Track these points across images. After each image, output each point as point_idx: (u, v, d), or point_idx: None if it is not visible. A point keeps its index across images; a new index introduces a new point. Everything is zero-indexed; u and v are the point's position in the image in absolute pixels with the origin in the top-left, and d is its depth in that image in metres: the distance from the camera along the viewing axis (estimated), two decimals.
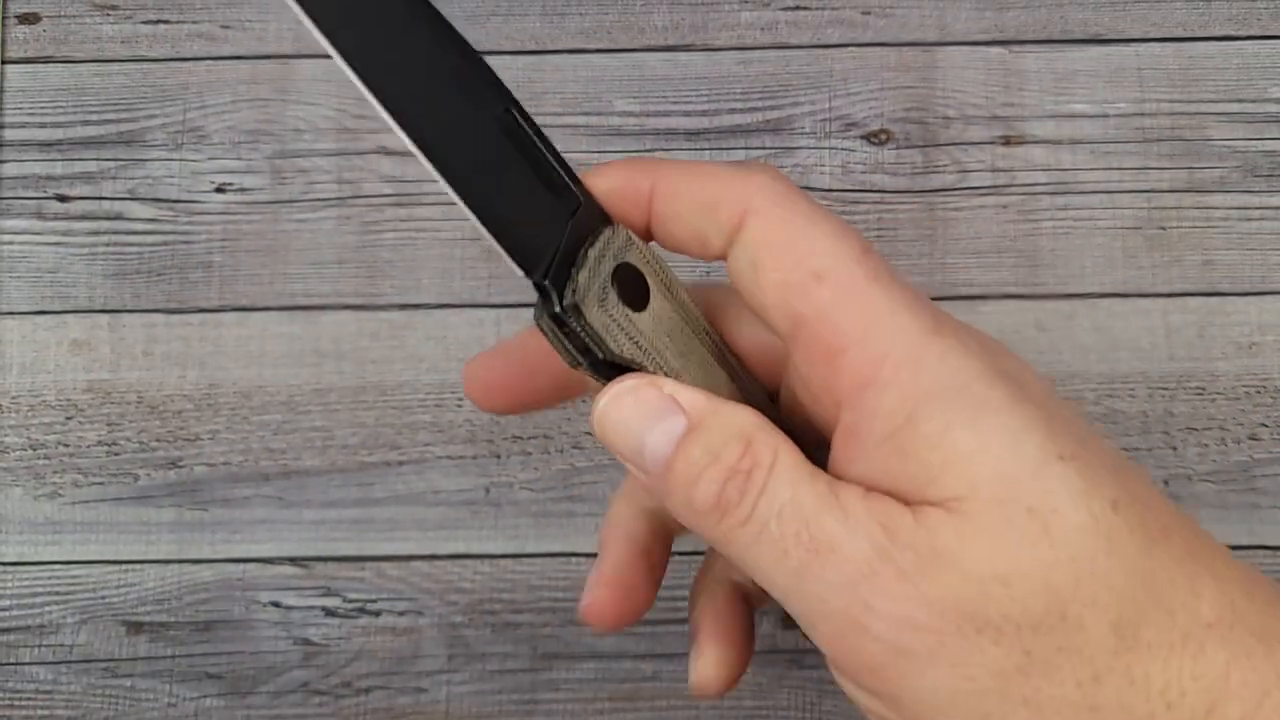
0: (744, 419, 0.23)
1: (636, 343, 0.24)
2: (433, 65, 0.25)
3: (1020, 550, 0.20)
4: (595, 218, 0.25)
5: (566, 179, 0.25)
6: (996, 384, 0.22)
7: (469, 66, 0.26)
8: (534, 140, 0.26)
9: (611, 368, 0.24)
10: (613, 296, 0.24)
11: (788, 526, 0.22)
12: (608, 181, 0.26)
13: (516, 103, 0.26)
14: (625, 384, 0.24)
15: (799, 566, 0.22)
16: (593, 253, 0.24)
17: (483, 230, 0.25)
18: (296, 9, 0.22)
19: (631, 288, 0.24)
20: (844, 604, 0.21)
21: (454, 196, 0.25)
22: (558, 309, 0.23)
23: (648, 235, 0.27)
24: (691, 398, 0.23)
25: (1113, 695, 0.20)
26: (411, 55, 0.24)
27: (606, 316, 0.24)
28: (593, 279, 0.24)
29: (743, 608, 0.30)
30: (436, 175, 0.25)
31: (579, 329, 0.23)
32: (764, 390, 0.27)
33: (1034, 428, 0.21)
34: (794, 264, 0.23)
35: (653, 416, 0.23)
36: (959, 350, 0.22)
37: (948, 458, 0.21)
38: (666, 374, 0.24)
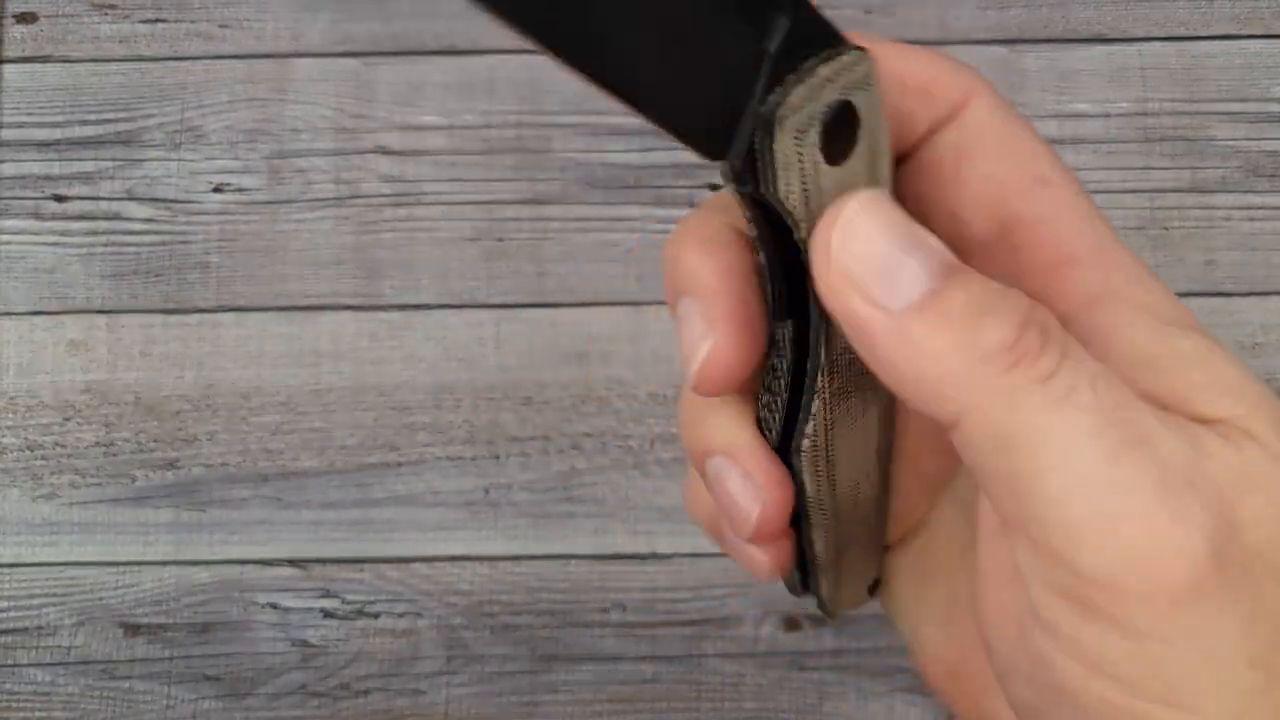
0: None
1: (807, 197, 0.19)
2: None
3: None
4: (835, 37, 0.20)
5: None
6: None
7: None
8: None
9: (760, 211, 0.20)
10: (815, 133, 0.19)
11: (1104, 399, 0.17)
12: None
13: None
14: (869, 196, 0.19)
15: (1116, 448, 0.17)
16: (824, 71, 0.19)
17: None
18: None
19: (837, 135, 0.19)
20: (1148, 511, 0.17)
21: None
22: (759, 108, 0.18)
23: None
24: (942, 245, 0.19)
25: None
26: None
27: (796, 151, 0.19)
28: (809, 101, 0.19)
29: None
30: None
31: (760, 146, 0.19)
32: None
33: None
34: (1017, 162, 0.21)
35: (907, 239, 0.18)
36: (1165, 287, 0.20)
37: (1214, 378, 0.19)
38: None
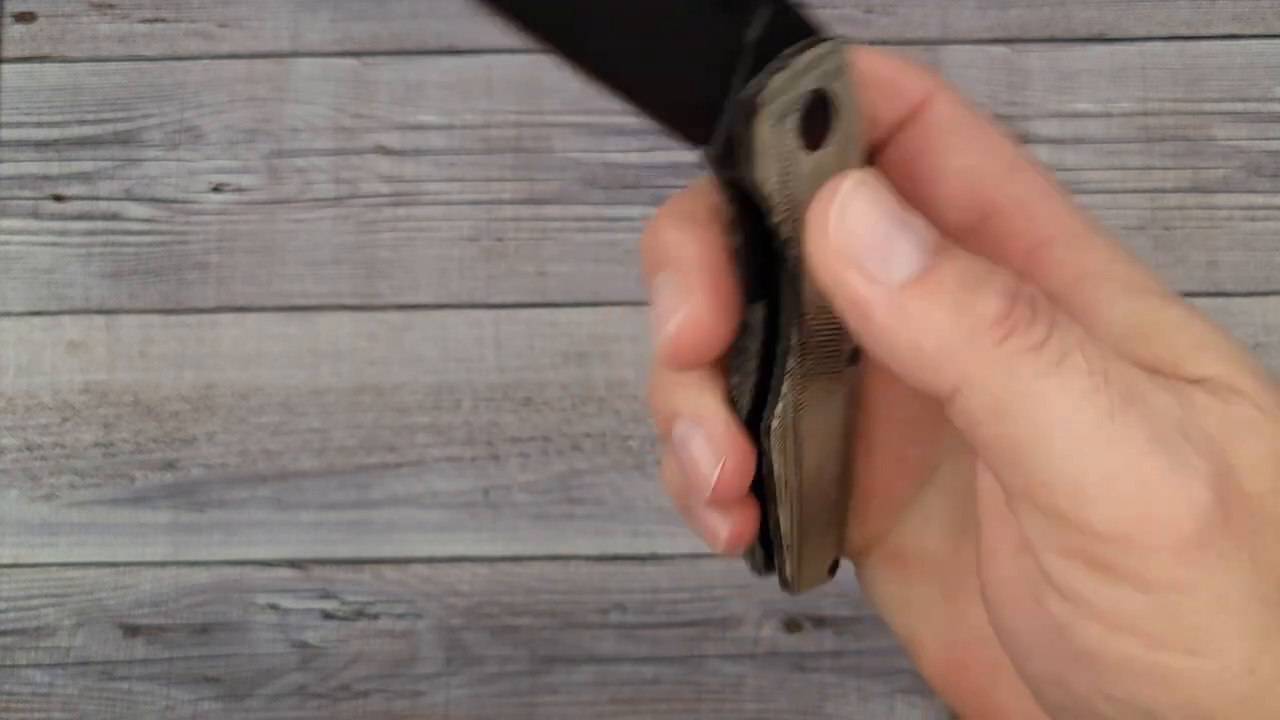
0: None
1: (784, 182, 0.20)
2: None
3: None
4: (812, 28, 0.21)
5: None
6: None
7: None
8: None
9: (737, 195, 0.20)
10: (793, 119, 0.20)
11: (1096, 363, 0.18)
12: None
13: None
14: (863, 173, 0.20)
15: (1112, 407, 0.18)
16: (801, 60, 0.20)
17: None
18: None
19: (814, 122, 0.20)
20: (1150, 465, 0.18)
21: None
22: (740, 95, 0.19)
23: None
24: (929, 225, 0.19)
25: None
26: None
27: (774, 136, 0.20)
28: (787, 88, 0.20)
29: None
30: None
31: (740, 133, 0.19)
32: None
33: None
34: (988, 152, 0.21)
35: (900, 218, 0.19)
36: (1144, 265, 0.21)
37: (1199, 341, 0.19)
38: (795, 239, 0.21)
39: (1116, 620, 0.18)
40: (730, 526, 0.23)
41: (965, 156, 0.21)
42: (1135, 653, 0.18)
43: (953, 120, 0.22)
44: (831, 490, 0.25)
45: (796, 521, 0.24)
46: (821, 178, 0.20)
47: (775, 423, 0.22)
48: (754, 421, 0.23)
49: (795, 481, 0.24)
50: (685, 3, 0.19)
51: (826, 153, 0.20)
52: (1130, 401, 0.18)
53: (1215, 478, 0.18)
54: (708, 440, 0.22)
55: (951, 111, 0.22)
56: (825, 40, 0.20)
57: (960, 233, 0.21)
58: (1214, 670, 0.18)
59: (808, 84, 0.20)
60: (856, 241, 0.19)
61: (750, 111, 0.19)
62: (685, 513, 0.24)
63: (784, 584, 0.26)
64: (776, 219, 0.20)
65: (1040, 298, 0.19)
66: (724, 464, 0.22)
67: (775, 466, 0.23)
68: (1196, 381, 0.19)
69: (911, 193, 0.21)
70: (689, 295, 0.22)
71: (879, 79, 0.22)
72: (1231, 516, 0.18)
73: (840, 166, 0.21)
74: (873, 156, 0.22)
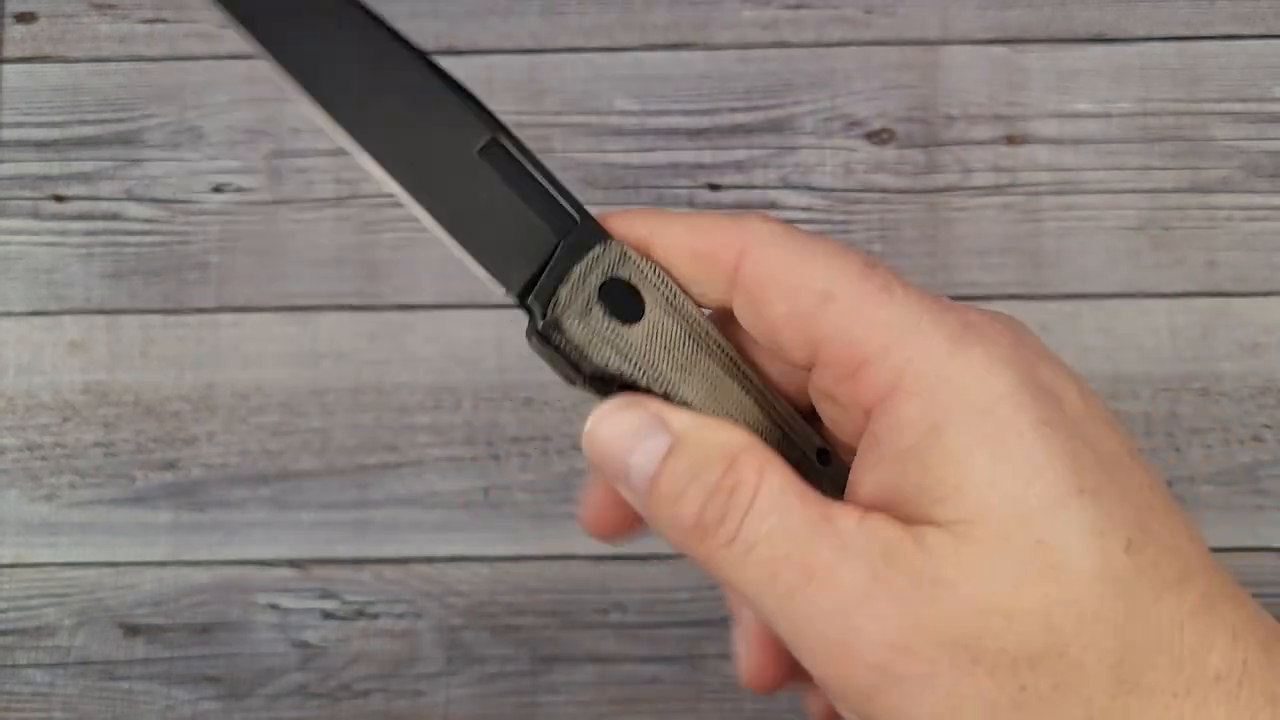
0: (729, 437, 0.23)
1: (625, 355, 0.24)
2: (412, 102, 0.26)
3: (1025, 585, 0.20)
4: (590, 235, 0.25)
5: (561, 200, 0.25)
6: (1025, 406, 0.21)
7: (451, 100, 0.26)
8: (523, 164, 0.25)
9: (606, 383, 0.24)
10: (598, 311, 0.24)
11: (777, 549, 0.21)
12: (613, 228, 0.26)
13: (505, 129, 0.26)
14: (610, 403, 0.24)
15: (788, 591, 0.21)
16: (579, 268, 0.24)
17: (461, 253, 0.25)
18: (268, 59, 0.24)
19: (624, 302, 0.24)
20: (836, 629, 0.21)
21: (429, 222, 0.25)
22: (539, 325, 0.24)
23: None
24: (679, 417, 0.23)
25: None
26: (388, 94, 0.26)
27: (589, 330, 0.24)
28: (576, 294, 0.24)
29: None
30: (414, 205, 0.25)
31: (560, 343, 0.24)
32: (788, 405, 0.27)
33: (1058, 457, 0.20)
34: (799, 291, 0.23)
35: (637, 435, 0.23)
36: (985, 362, 0.21)
37: (964, 479, 0.21)
38: (663, 387, 0.24)
39: None
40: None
41: (780, 303, 0.23)
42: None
43: (763, 271, 0.23)
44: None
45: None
46: (659, 339, 0.24)
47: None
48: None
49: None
50: (508, 204, 0.24)
51: (653, 317, 0.24)
52: (809, 580, 0.21)
53: (884, 648, 0.20)
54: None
55: (762, 262, 0.23)
56: (596, 242, 0.24)
57: (807, 370, 0.24)
58: None
59: (594, 280, 0.24)
60: (603, 465, 0.23)
61: (556, 325, 0.23)
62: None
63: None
64: (642, 384, 0.24)
65: (744, 486, 0.22)
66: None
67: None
68: (943, 524, 0.21)
69: (760, 343, 0.24)
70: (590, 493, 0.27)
71: (698, 250, 0.24)
72: (896, 679, 0.20)
73: (677, 322, 0.24)
74: (727, 317, 0.25)
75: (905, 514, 0.21)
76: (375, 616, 0.61)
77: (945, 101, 0.65)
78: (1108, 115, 0.65)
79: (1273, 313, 0.63)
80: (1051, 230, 0.64)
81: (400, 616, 0.61)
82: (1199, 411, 0.62)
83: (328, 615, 0.61)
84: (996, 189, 0.65)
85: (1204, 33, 0.66)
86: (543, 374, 0.65)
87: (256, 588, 0.62)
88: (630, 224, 0.25)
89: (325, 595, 0.62)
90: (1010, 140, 0.65)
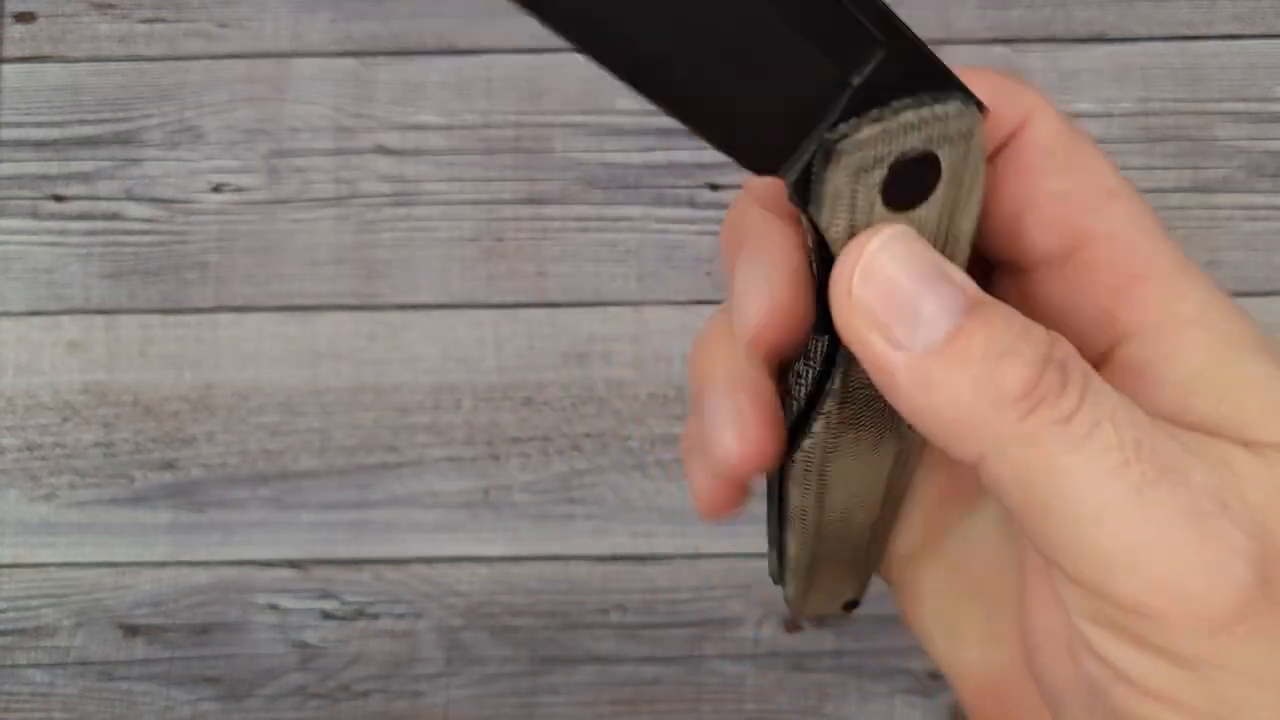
0: (1031, 320, 0.19)
1: (853, 233, 0.19)
2: None
3: None
4: (937, 77, 0.18)
5: (863, 20, 0.18)
6: None
7: None
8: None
9: (814, 228, 0.19)
10: (877, 175, 0.18)
11: (1127, 433, 0.17)
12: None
13: None
14: (893, 230, 0.19)
15: (1142, 481, 0.17)
16: (910, 115, 0.18)
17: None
18: None
19: (913, 182, 0.19)
20: (1182, 539, 0.17)
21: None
22: (825, 136, 0.18)
23: None
24: (968, 280, 0.18)
25: None
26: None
27: (850, 188, 0.18)
28: (882, 142, 0.18)
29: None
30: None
31: (816, 173, 0.18)
32: None
33: None
34: (1085, 176, 0.20)
35: (930, 278, 0.18)
36: (1240, 311, 0.20)
37: (1271, 403, 0.19)
38: None
39: (1147, 688, 0.18)
40: (712, 496, 0.23)
41: (1060, 181, 0.20)
42: (1167, 718, 0.18)
43: (1050, 142, 0.20)
44: (858, 535, 0.24)
45: (809, 553, 0.24)
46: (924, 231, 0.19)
47: (800, 457, 0.22)
48: (789, 448, 0.22)
49: (814, 518, 0.23)
50: (782, 40, 0.17)
51: (920, 214, 0.19)
52: (1163, 474, 0.17)
53: (1256, 554, 0.17)
54: (740, 412, 0.21)
55: (1050, 133, 0.21)
56: (955, 98, 0.18)
57: (1049, 261, 0.21)
58: None
59: (909, 142, 0.18)
60: (880, 304, 0.18)
61: (828, 156, 0.18)
62: (684, 458, 0.24)
63: (787, 601, 0.26)
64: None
65: (1074, 362, 0.18)
66: (740, 443, 0.21)
67: (793, 496, 0.22)
68: (1251, 445, 0.18)
69: (1001, 217, 0.21)
70: (772, 283, 0.21)
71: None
72: (1272, 592, 0.17)
73: (938, 233, 0.19)
74: None
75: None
76: (375, 617, 0.61)
77: None
78: (1109, 115, 0.65)
79: (1274, 312, 0.63)
80: None
81: (400, 617, 0.61)
82: None
83: (327, 616, 0.61)
84: None
85: (1205, 32, 0.66)
86: (542, 374, 0.65)
87: (256, 588, 0.62)
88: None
89: (325, 595, 0.61)
90: None
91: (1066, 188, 0.20)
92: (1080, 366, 0.18)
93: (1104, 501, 0.18)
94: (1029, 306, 0.21)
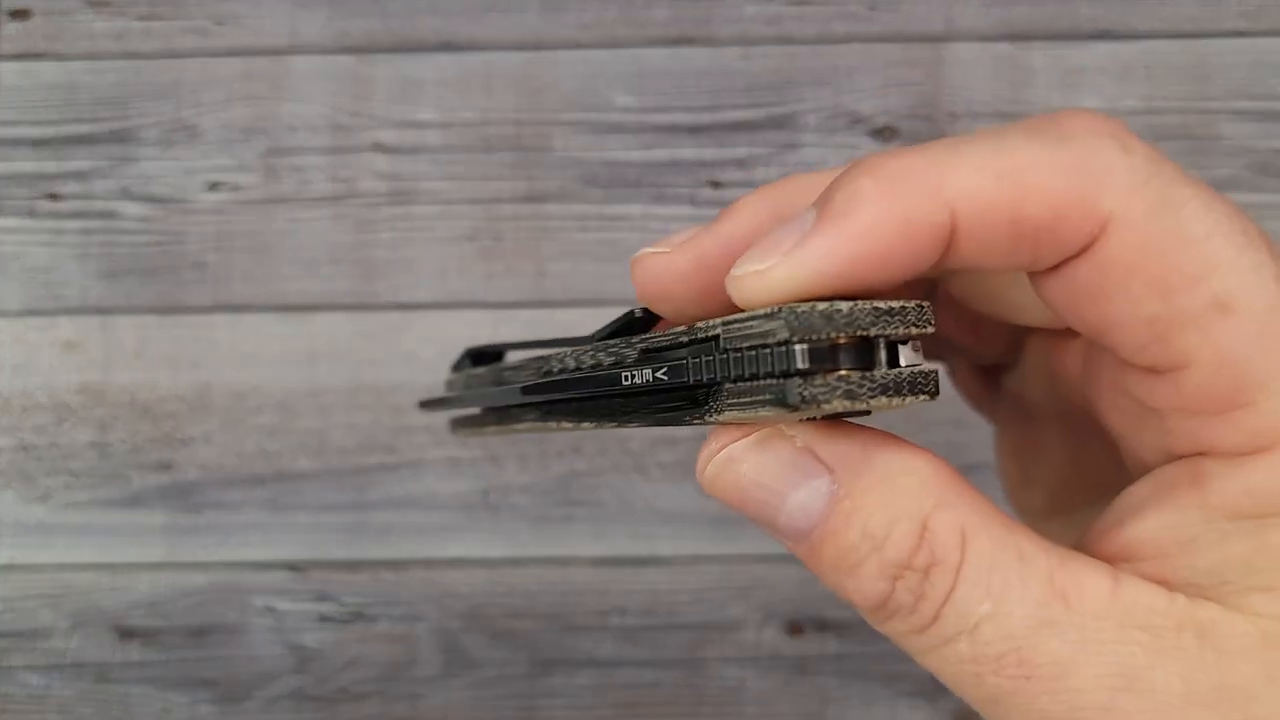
0: (912, 480, 0.17)
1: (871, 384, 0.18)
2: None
3: None
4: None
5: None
6: None
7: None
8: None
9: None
10: (837, 387, 0.18)
11: (987, 647, 0.17)
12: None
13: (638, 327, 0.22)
14: (758, 437, 0.18)
15: (998, 694, 0.17)
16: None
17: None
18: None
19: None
20: None
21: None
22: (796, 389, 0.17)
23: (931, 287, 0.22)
24: (834, 450, 0.18)
25: None
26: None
27: (827, 393, 0.17)
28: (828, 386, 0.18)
29: None
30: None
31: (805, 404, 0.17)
32: None
33: None
34: (1183, 290, 0.17)
35: (788, 476, 0.18)
36: None
37: (1268, 582, 0.17)
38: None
39: None
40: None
41: (1149, 305, 0.17)
42: None
43: (1134, 257, 0.17)
44: None
45: None
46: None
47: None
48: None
49: None
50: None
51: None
52: (1029, 683, 0.17)
53: None
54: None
55: (1133, 244, 0.17)
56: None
57: (1134, 376, 0.18)
58: None
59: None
60: (741, 509, 0.19)
61: (811, 404, 0.17)
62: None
63: None
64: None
65: (939, 567, 0.17)
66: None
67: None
68: (1239, 610, 0.17)
69: (1082, 326, 0.19)
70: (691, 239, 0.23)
71: (1035, 217, 0.17)
72: None
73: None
74: (1044, 275, 0.18)
75: (1217, 593, 0.17)
76: (373, 619, 0.61)
77: (949, 99, 0.65)
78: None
79: None
80: None
81: (398, 619, 0.61)
82: None
83: (325, 618, 0.61)
84: None
85: (1211, 29, 0.65)
86: None
87: (253, 590, 0.61)
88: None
89: (322, 598, 0.61)
90: None
91: (1157, 311, 0.17)
92: (950, 567, 0.17)
93: (961, 695, 0.18)
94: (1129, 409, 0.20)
